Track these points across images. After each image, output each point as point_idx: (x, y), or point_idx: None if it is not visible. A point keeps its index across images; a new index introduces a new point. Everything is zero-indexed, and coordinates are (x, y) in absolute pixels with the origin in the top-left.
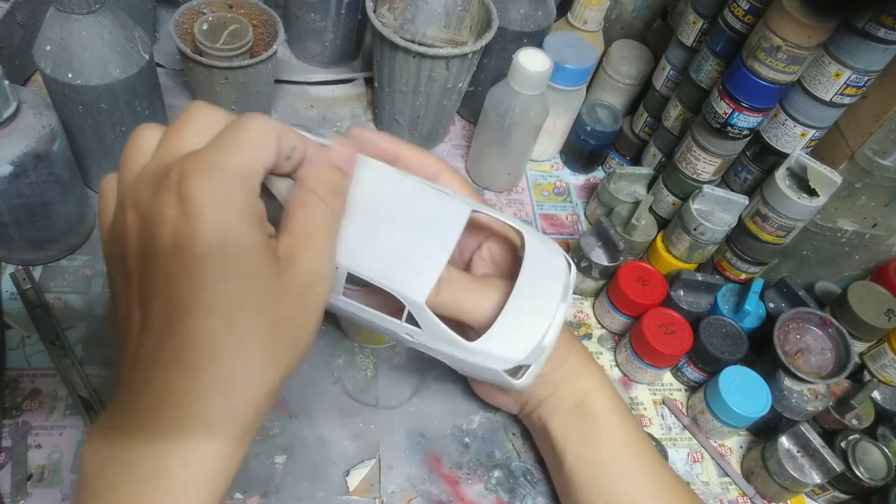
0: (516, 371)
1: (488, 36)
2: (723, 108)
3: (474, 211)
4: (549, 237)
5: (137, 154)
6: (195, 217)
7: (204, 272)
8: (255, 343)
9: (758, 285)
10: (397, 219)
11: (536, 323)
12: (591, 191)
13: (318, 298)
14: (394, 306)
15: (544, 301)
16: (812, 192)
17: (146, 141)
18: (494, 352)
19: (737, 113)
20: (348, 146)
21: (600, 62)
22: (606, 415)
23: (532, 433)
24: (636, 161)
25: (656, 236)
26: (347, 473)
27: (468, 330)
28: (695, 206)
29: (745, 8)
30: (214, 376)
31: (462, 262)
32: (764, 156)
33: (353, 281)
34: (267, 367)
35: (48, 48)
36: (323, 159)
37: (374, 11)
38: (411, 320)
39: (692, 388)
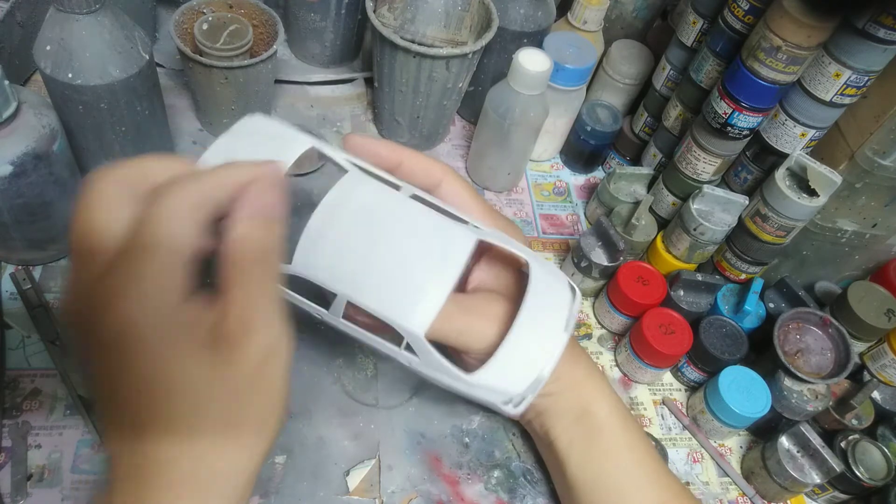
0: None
1: (488, 36)
2: (723, 108)
3: (480, 240)
4: (554, 265)
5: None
6: (121, 349)
7: (142, 397)
8: (212, 443)
9: (758, 285)
10: (400, 246)
11: (536, 356)
12: (591, 191)
13: (275, 376)
14: (395, 331)
15: (545, 334)
16: (812, 193)
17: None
18: (492, 385)
19: (737, 113)
20: (267, 189)
21: (600, 62)
22: (609, 423)
23: (533, 438)
24: (636, 161)
25: (656, 236)
26: (347, 473)
27: (465, 355)
28: (695, 206)
29: (745, 8)
30: (172, 483)
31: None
32: (764, 156)
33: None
34: (231, 457)
35: (48, 48)
36: (243, 218)
37: (374, 11)
38: (410, 348)
39: (692, 388)
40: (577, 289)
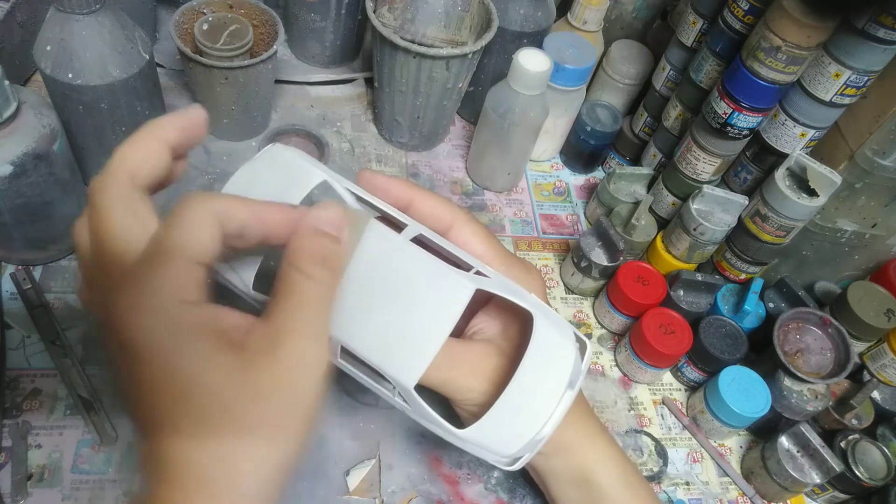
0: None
1: (488, 36)
2: (723, 108)
3: (479, 289)
4: (561, 317)
5: (81, 258)
6: (136, 356)
7: (156, 396)
8: (230, 443)
9: (757, 285)
10: (395, 294)
11: (534, 415)
12: (591, 191)
13: (307, 387)
14: None
15: (546, 391)
16: (812, 193)
17: (81, 240)
18: (485, 443)
19: (736, 113)
20: (334, 208)
21: (600, 62)
22: (614, 494)
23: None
24: (636, 161)
25: (656, 236)
26: (347, 473)
27: (457, 406)
28: (694, 206)
29: (745, 8)
30: (189, 482)
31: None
32: (764, 156)
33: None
34: (251, 459)
35: (48, 48)
36: (306, 226)
37: (374, 12)
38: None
39: (692, 387)
40: (587, 342)
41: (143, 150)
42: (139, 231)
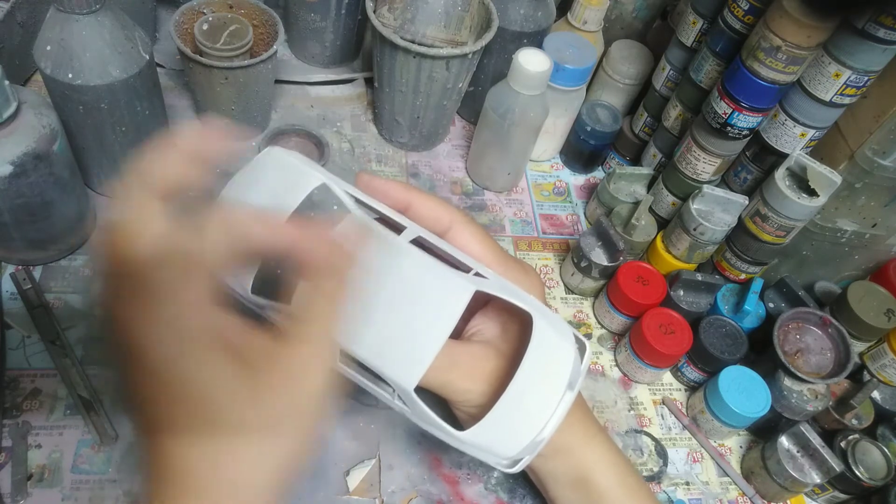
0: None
1: (488, 36)
2: (723, 108)
3: (479, 290)
4: (561, 318)
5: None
6: (141, 359)
7: (160, 401)
8: (229, 446)
9: (757, 285)
10: (395, 297)
11: (534, 417)
12: (591, 191)
13: (307, 394)
14: None
15: (545, 393)
16: (812, 193)
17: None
18: (485, 445)
19: (736, 113)
20: (349, 222)
21: (600, 62)
22: (612, 494)
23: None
24: (636, 161)
25: (656, 236)
26: (347, 473)
27: (456, 408)
28: (694, 206)
29: (745, 8)
30: (188, 483)
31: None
32: (764, 156)
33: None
34: (250, 462)
35: (48, 48)
36: (316, 239)
37: (374, 11)
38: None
39: (692, 387)
40: (586, 344)
41: (161, 161)
42: (152, 236)
